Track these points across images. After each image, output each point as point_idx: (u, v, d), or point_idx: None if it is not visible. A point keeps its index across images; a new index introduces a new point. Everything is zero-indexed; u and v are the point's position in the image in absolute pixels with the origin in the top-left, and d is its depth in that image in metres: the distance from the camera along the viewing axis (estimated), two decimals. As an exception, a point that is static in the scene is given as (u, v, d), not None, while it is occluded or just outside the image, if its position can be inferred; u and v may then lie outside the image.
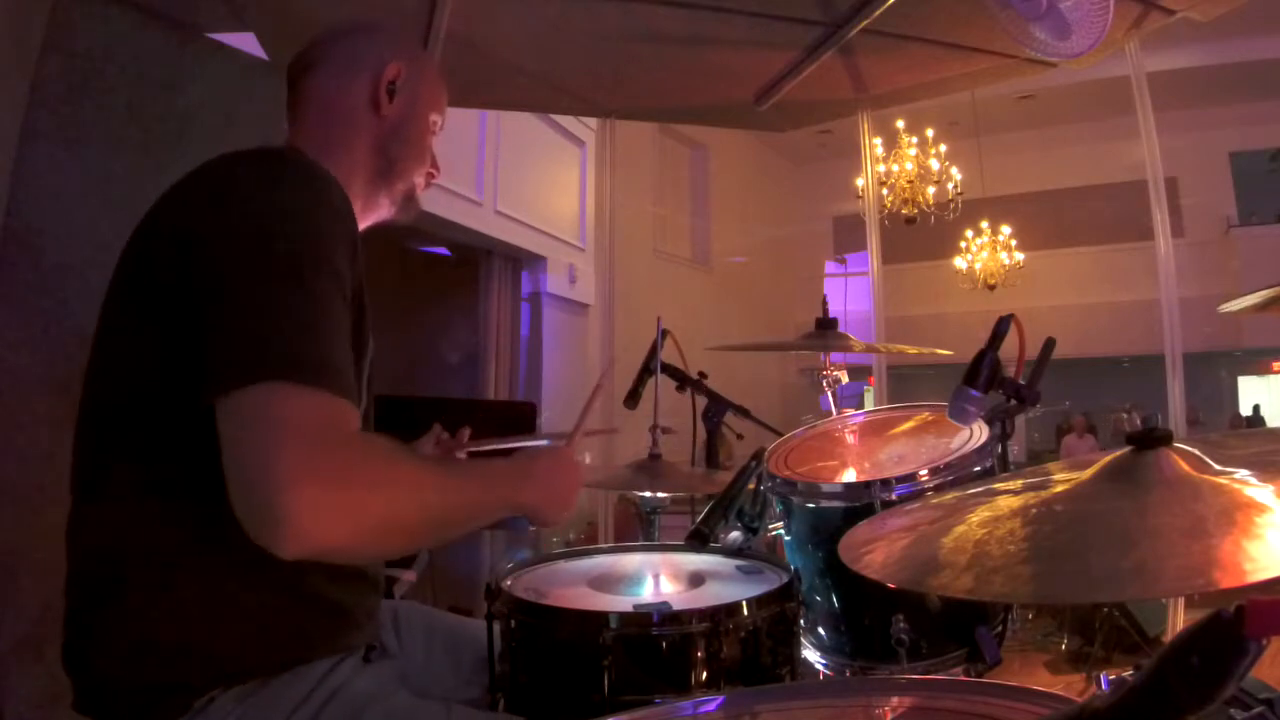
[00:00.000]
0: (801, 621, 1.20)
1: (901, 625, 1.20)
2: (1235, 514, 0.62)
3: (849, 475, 1.40)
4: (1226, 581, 0.53)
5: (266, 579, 0.92)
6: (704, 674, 1.02)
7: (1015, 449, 1.38)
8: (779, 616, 1.10)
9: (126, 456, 0.92)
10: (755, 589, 1.15)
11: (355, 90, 1.14)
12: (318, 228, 0.90)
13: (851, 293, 7.48)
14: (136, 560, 0.90)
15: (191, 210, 0.92)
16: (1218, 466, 0.71)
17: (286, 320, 0.82)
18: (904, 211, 7.84)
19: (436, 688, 1.18)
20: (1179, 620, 3.01)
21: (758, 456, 1.39)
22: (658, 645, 1.03)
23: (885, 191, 7.73)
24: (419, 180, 1.21)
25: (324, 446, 0.78)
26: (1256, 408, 10.95)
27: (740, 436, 2.08)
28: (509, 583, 1.19)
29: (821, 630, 1.34)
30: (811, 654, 1.34)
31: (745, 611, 1.06)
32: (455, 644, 1.23)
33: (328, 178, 0.96)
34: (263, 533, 0.76)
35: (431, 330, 5.91)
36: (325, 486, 0.76)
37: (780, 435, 1.59)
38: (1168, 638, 1.32)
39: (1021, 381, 1.25)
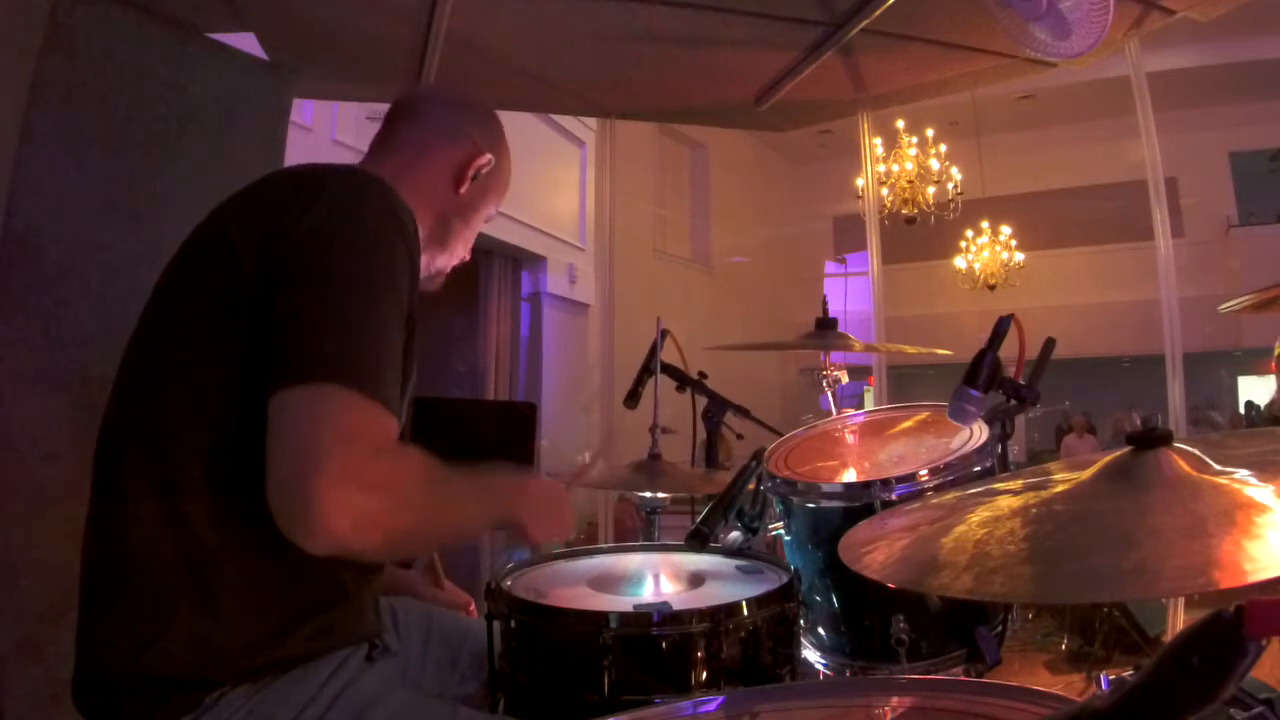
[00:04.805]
0: (801, 621, 1.20)
1: (901, 625, 1.20)
2: (1235, 514, 0.62)
3: (849, 475, 1.40)
4: (1226, 581, 0.53)
5: (287, 575, 0.93)
6: (704, 674, 1.02)
7: (1015, 449, 1.37)
8: (779, 616, 1.10)
9: (152, 456, 0.93)
10: (755, 589, 1.15)
11: (445, 160, 1.19)
12: (393, 252, 0.94)
13: (851, 293, 7.48)
14: (158, 557, 0.91)
15: (278, 212, 0.95)
16: (1218, 466, 0.71)
17: (357, 330, 0.87)
18: (904, 211, 7.83)
19: (434, 683, 1.19)
20: (1179, 620, 3.01)
21: (758, 456, 1.39)
22: (658, 645, 1.03)
23: (885, 191, 7.71)
24: (453, 262, 1.27)
25: (370, 454, 0.82)
26: (1250, 404, 10.92)
27: (740, 436, 2.08)
28: (509, 583, 1.19)
29: (821, 630, 1.34)
30: (811, 654, 1.34)
31: (745, 611, 1.06)
32: (452, 640, 1.25)
33: (408, 210, 1.01)
34: (294, 523, 0.79)
35: (431, 330, 5.89)
36: (363, 492, 0.80)
37: (780, 435, 1.59)
38: (1168, 638, 1.33)
39: (1021, 381, 1.26)
